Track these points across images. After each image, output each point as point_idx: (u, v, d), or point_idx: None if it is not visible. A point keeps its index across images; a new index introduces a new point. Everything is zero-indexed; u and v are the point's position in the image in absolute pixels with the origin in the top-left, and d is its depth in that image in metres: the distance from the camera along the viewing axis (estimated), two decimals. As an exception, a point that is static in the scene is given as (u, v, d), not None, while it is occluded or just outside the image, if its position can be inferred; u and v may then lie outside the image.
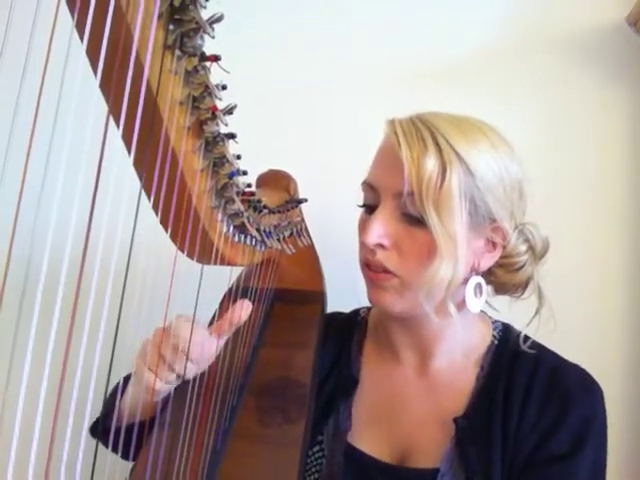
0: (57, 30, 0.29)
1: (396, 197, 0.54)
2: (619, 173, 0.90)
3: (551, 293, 0.61)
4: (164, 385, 0.51)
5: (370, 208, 0.58)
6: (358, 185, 0.60)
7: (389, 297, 0.56)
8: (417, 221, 0.53)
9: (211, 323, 0.64)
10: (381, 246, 0.55)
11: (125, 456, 0.49)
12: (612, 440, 0.57)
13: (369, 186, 0.58)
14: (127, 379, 0.58)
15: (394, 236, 0.55)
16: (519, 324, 0.62)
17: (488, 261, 0.57)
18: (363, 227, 0.57)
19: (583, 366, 0.60)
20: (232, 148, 0.46)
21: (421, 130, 0.53)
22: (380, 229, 0.54)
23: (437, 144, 0.52)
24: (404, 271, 0.55)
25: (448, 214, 0.51)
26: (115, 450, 0.50)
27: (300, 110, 0.95)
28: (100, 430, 0.55)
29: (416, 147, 0.52)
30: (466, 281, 0.56)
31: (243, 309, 0.53)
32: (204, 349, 0.52)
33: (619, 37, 0.89)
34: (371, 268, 0.57)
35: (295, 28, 0.96)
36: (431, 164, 0.51)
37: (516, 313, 0.62)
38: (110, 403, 0.56)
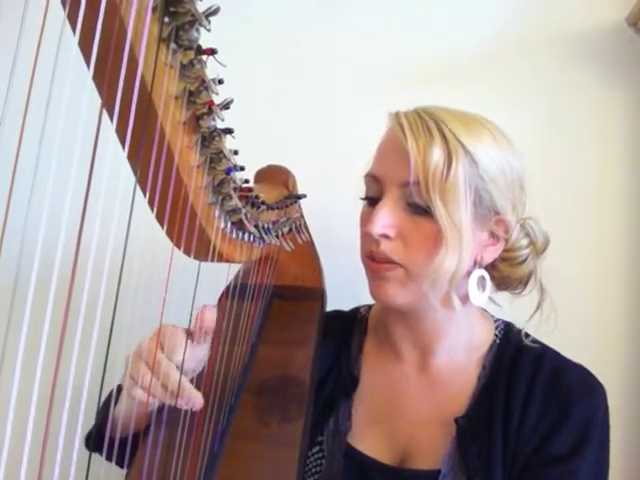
0: (48, 22, 0.29)
1: (401, 187, 0.54)
2: (619, 173, 0.89)
3: (552, 292, 0.61)
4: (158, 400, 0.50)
5: (373, 200, 0.57)
6: (358, 181, 0.59)
7: (391, 288, 0.56)
8: (422, 211, 0.53)
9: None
10: (386, 236, 0.55)
11: (120, 464, 0.48)
12: (613, 440, 0.57)
13: (373, 178, 0.57)
14: (121, 387, 0.57)
15: (399, 226, 0.54)
16: (520, 322, 0.62)
17: (491, 254, 0.58)
18: (366, 219, 0.57)
19: (585, 365, 0.60)
20: (229, 143, 0.46)
21: (427, 121, 0.53)
22: (386, 219, 0.54)
23: (443, 135, 0.52)
24: (409, 261, 0.54)
25: (454, 204, 0.51)
26: (109, 459, 0.49)
27: (298, 105, 0.94)
28: (94, 441, 0.53)
29: (422, 137, 0.52)
30: (469, 274, 0.56)
31: (207, 314, 0.48)
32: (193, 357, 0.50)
33: (619, 37, 0.88)
34: (375, 259, 0.56)
35: (294, 23, 0.96)
36: (437, 154, 0.51)
37: (517, 312, 0.62)
38: (103, 413, 0.54)
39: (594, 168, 0.90)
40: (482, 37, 0.93)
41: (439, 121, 0.53)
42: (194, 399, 0.47)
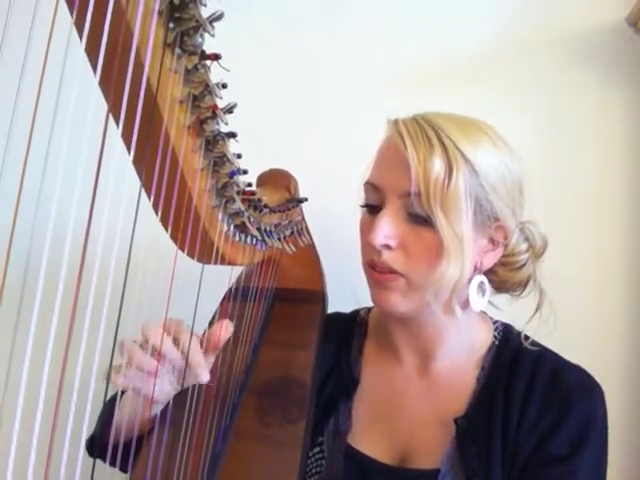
0: (56, 28, 0.29)
1: (401, 197, 0.54)
2: (619, 173, 0.89)
3: (552, 293, 0.61)
4: (163, 394, 0.51)
5: (373, 208, 0.57)
6: (359, 185, 0.59)
7: (394, 297, 0.56)
8: (423, 221, 0.53)
9: (211, 323, 0.64)
10: (387, 247, 0.55)
11: (124, 469, 0.48)
12: (612, 440, 0.57)
13: (372, 186, 0.57)
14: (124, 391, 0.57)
15: (400, 236, 0.54)
16: (519, 323, 0.62)
17: (491, 259, 0.58)
18: (367, 228, 0.57)
19: (583, 367, 0.60)
20: (232, 147, 0.46)
21: (426, 130, 0.53)
22: (387, 229, 0.54)
23: (442, 144, 0.52)
24: (411, 271, 0.55)
25: (455, 214, 0.51)
26: (113, 464, 0.50)
27: (301, 109, 0.95)
28: (97, 448, 0.53)
29: (422, 147, 0.52)
30: (469, 280, 0.56)
31: (224, 330, 0.50)
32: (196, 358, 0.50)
33: (619, 37, 0.88)
34: (376, 269, 0.56)
35: (296, 26, 0.96)
36: (438, 164, 0.51)
37: (516, 313, 0.62)
38: (106, 417, 0.54)
39: (594, 168, 0.90)
40: (482, 38, 0.93)
41: (439, 129, 0.52)
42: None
